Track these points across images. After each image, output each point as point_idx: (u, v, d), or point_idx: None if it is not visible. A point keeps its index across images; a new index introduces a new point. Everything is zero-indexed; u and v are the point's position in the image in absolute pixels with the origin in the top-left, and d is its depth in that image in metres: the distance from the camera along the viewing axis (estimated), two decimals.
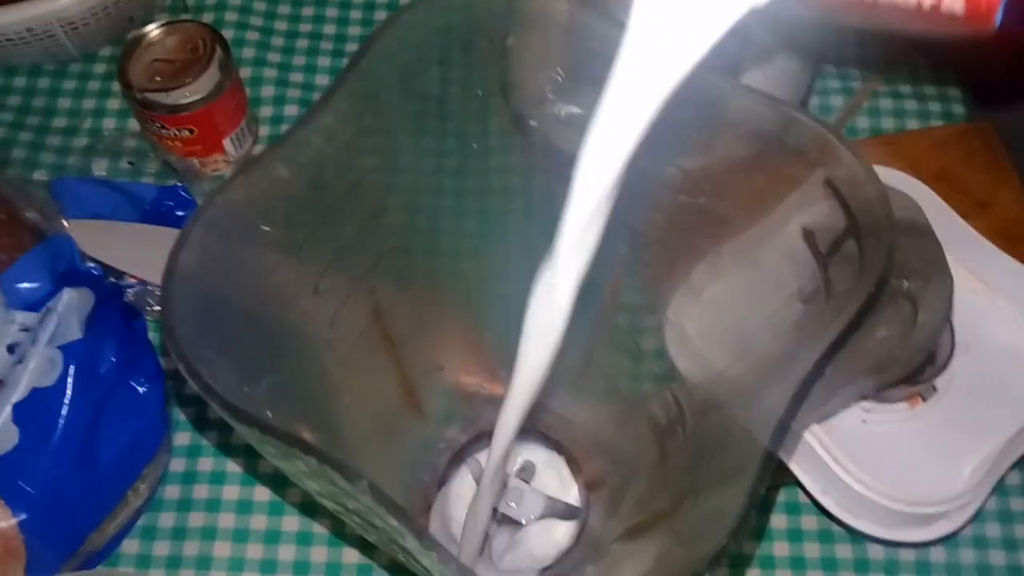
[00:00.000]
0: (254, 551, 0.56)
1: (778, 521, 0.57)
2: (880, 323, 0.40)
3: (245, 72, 0.70)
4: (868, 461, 0.49)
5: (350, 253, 0.44)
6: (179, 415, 0.59)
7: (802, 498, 0.57)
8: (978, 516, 0.53)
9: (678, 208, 0.42)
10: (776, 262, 0.39)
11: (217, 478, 0.58)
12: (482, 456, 0.56)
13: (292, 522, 0.56)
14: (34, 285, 0.52)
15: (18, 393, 0.49)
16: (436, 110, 0.44)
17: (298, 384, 0.41)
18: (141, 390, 0.53)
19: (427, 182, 0.47)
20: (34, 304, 0.52)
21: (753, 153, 0.40)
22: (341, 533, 0.56)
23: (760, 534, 0.56)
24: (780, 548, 0.56)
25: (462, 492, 0.55)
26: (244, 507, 0.57)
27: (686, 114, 0.31)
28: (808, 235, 0.36)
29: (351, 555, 0.55)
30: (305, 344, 0.43)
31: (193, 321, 0.32)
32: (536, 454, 0.56)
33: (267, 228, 0.37)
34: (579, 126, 0.41)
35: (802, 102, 0.65)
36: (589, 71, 0.40)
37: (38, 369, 0.50)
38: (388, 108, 0.41)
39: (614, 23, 0.39)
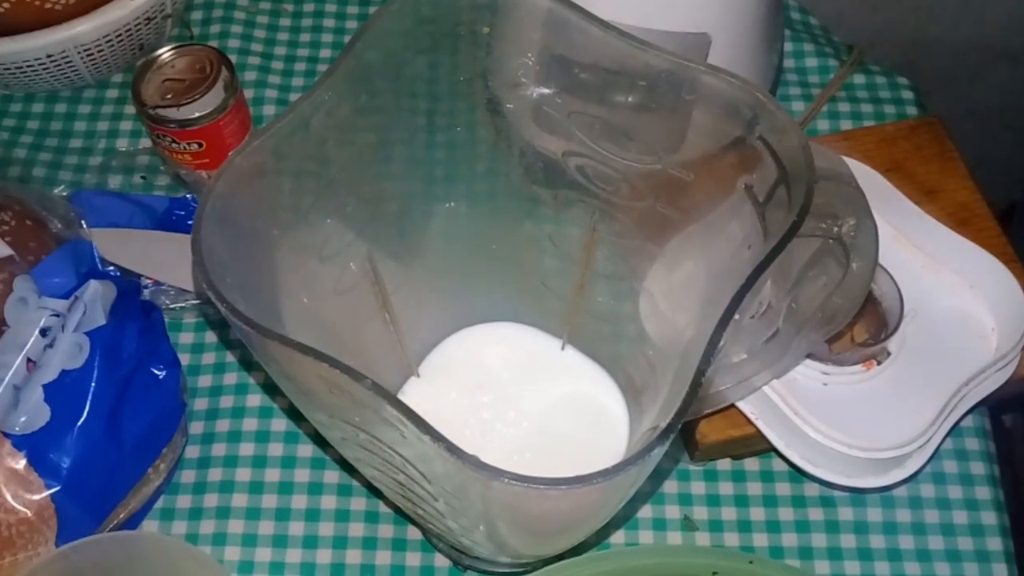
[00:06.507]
0: (265, 527, 0.59)
1: (754, 488, 0.60)
2: (820, 273, 0.44)
3: (248, 93, 0.74)
4: (827, 415, 0.53)
5: (350, 223, 0.47)
6: (193, 405, 0.63)
7: (775, 467, 0.61)
8: (932, 464, 0.57)
9: (641, 177, 0.46)
10: (724, 220, 0.43)
11: (230, 462, 0.61)
12: None
13: (300, 500, 0.60)
14: (61, 280, 0.55)
15: (49, 375, 0.53)
16: (426, 93, 0.48)
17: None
18: (160, 375, 0.57)
19: (418, 161, 0.51)
20: (62, 296, 0.55)
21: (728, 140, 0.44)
22: (347, 510, 0.59)
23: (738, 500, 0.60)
24: (756, 513, 0.59)
25: None
26: (256, 487, 0.60)
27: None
28: (748, 189, 0.41)
29: (356, 528, 0.59)
30: (314, 303, 0.46)
31: (218, 266, 0.36)
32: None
33: (276, 191, 0.41)
34: (548, 108, 0.46)
35: None
36: (558, 57, 0.45)
37: (67, 353, 0.53)
38: (382, 90, 0.45)
39: (585, 14, 0.43)
